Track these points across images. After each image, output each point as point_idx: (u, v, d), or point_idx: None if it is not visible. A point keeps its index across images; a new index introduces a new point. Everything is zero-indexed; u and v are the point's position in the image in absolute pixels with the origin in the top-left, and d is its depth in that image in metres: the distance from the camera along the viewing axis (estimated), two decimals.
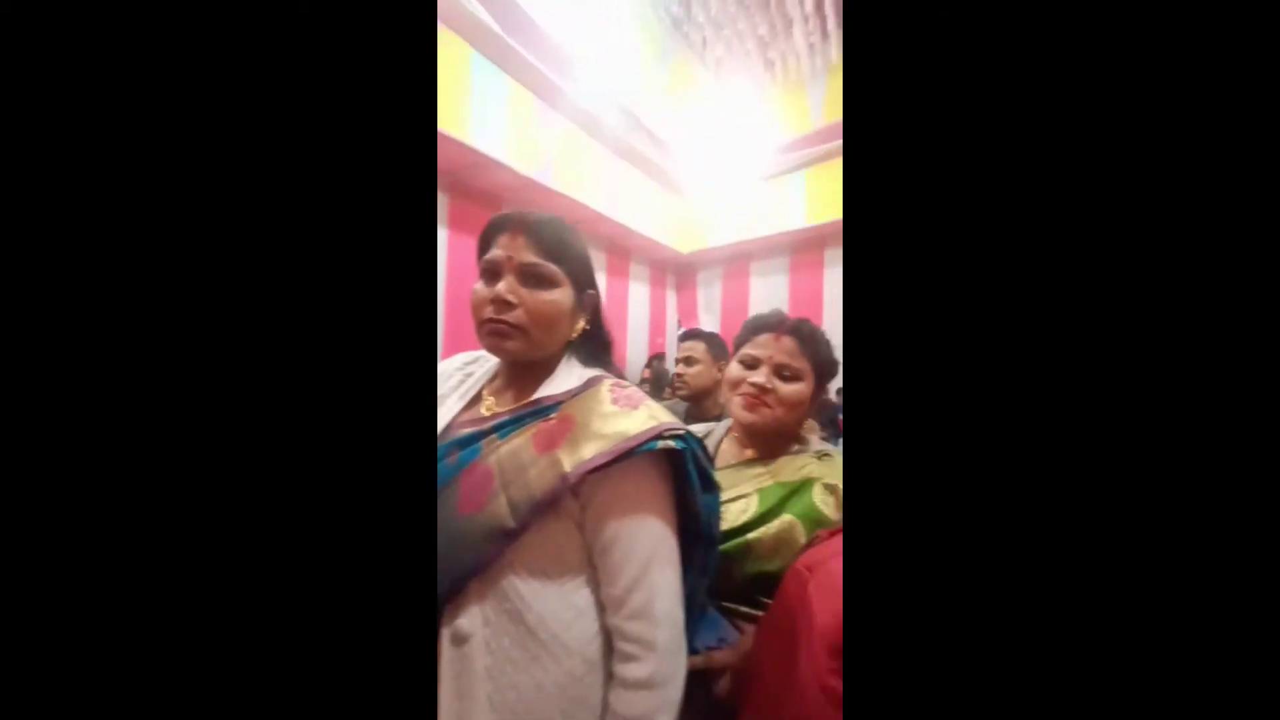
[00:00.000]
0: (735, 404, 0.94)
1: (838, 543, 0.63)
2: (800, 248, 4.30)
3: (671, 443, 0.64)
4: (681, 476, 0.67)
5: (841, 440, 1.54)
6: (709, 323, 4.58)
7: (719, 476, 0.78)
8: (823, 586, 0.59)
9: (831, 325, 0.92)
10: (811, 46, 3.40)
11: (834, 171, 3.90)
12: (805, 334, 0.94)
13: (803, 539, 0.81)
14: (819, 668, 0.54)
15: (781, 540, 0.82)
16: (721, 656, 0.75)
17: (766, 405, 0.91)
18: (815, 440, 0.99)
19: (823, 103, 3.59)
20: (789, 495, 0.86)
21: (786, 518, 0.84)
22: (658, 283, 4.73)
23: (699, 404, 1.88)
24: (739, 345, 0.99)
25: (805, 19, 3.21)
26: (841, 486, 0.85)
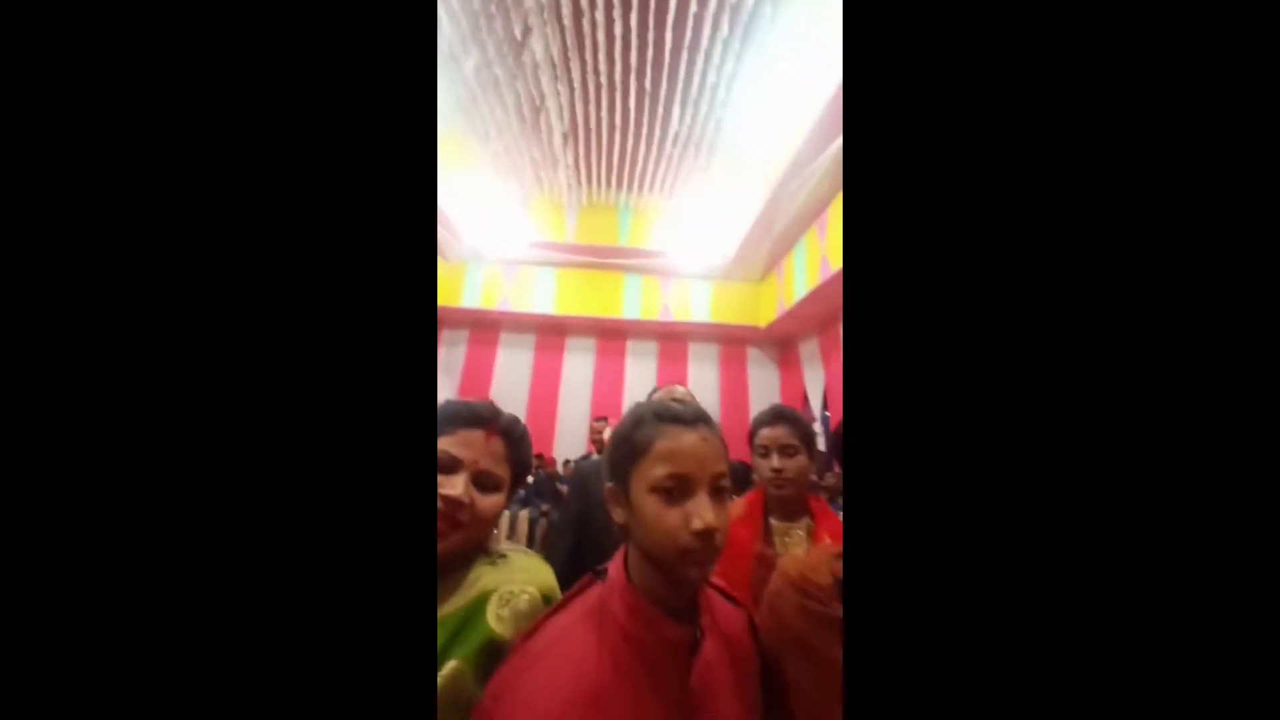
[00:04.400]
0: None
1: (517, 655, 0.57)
2: (545, 329, 4.97)
3: None
4: None
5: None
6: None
7: None
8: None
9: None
10: (569, 185, 4.03)
11: (579, 278, 4.64)
12: (517, 435, 0.74)
13: (472, 684, 0.65)
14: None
15: (447, 693, 0.65)
16: None
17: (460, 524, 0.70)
18: (492, 543, 0.81)
19: (576, 227, 4.28)
20: (459, 626, 0.70)
21: (451, 664, 0.67)
22: None
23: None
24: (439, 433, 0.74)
25: (565, 165, 3.79)
26: (518, 589, 0.72)
